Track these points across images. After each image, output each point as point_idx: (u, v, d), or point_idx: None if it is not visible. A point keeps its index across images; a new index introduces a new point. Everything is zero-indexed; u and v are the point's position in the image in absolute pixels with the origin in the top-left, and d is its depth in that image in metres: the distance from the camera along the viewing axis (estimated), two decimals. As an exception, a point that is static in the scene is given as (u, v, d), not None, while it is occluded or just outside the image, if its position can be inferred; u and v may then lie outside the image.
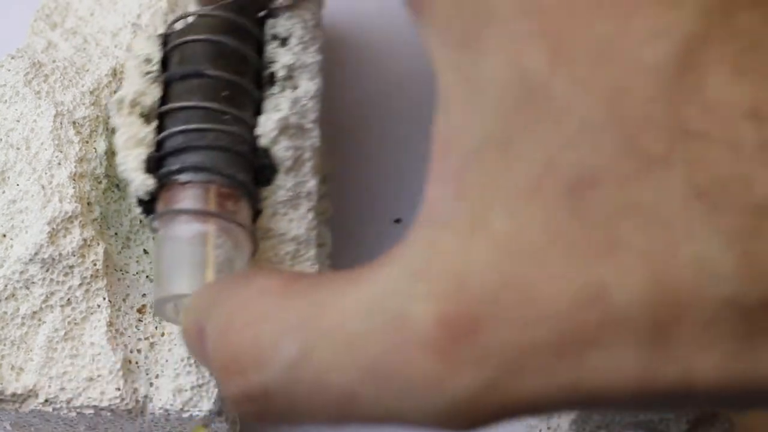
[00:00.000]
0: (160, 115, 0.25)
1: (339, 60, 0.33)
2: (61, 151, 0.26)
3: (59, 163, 0.26)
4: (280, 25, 0.27)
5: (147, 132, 0.25)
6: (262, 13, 0.27)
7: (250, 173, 0.25)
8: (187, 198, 0.24)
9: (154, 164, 0.25)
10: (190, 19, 0.26)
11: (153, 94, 0.26)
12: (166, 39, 0.26)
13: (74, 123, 0.27)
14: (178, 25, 0.26)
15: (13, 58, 0.28)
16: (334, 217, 0.28)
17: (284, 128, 0.25)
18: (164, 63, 0.26)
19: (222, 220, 0.24)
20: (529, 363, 0.15)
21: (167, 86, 0.26)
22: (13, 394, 0.25)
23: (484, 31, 0.16)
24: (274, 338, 0.17)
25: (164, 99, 0.26)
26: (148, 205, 0.25)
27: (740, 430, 0.27)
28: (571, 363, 0.15)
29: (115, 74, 0.28)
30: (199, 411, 0.26)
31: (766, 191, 0.14)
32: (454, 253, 0.16)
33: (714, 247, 0.14)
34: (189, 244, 0.23)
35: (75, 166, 0.26)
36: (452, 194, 0.16)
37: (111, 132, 0.26)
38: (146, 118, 0.25)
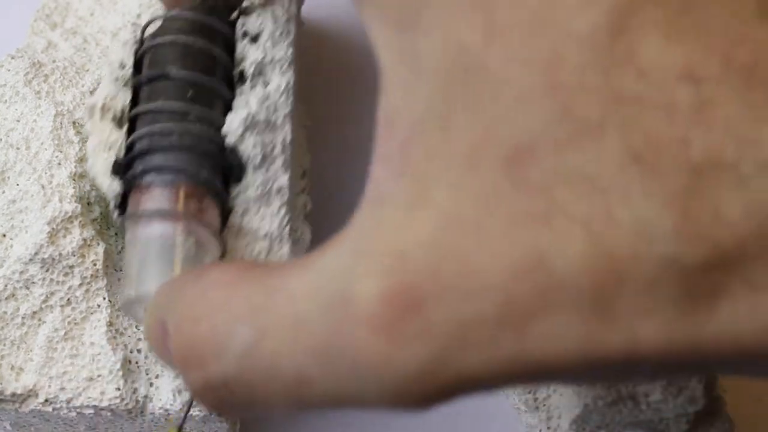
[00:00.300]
0: (132, 119, 0.26)
1: (320, 53, 0.33)
2: (61, 151, 0.26)
3: (59, 163, 0.26)
4: (250, 22, 0.27)
5: (118, 136, 0.25)
6: (234, 15, 0.27)
7: (217, 172, 0.25)
8: (150, 199, 0.24)
9: (122, 168, 0.25)
10: (160, 22, 0.26)
11: (123, 98, 0.26)
12: (142, 42, 0.27)
13: (74, 123, 0.27)
14: (151, 29, 0.27)
15: (13, 58, 0.28)
16: (313, 212, 0.28)
17: (251, 125, 0.25)
18: (138, 67, 0.26)
19: (184, 220, 0.24)
20: (472, 336, 0.15)
21: (137, 90, 0.26)
22: (13, 394, 0.25)
23: (421, 10, 0.16)
24: (228, 327, 0.17)
25: (135, 102, 0.26)
26: (121, 207, 0.25)
27: (740, 430, 0.27)
28: (514, 334, 0.15)
29: (115, 74, 0.28)
30: (199, 411, 0.26)
31: (702, 152, 0.14)
32: (396, 229, 0.16)
33: (652, 209, 0.14)
34: (150, 244, 0.24)
35: (75, 166, 0.26)
36: (395, 172, 0.16)
37: (85, 138, 0.26)
38: (118, 122, 0.26)
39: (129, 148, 0.25)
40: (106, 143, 0.25)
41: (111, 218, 0.26)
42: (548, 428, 0.29)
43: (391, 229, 0.16)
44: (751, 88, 0.14)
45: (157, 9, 0.30)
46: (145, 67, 0.26)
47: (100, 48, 0.30)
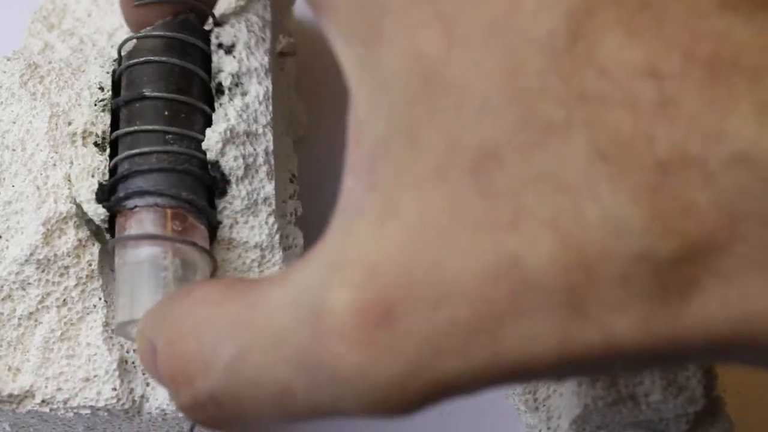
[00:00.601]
0: (113, 142, 0.26)
1: (318, 53, 0.33)
2: (57, 152, 0.27)
3: (54, 164, 0.26)
4: (224, 33, 0.27)
5: (100, 161, 0.26)
6: (208, 26, 0.27)
7: (201, 189, 0.25)
8: (135, 223, 0.24)
9: (105, 193, 0.25)
10: (134, 42, 0.26)
11: (104, 122, 0.26)
12: (120, 63, 0.27)
13: (69, 124, 0.27)
14: (126, 48, 0.27)
15: (9, 59, 0.28)
16: (305, 217, 0.28)
17: (230, 138, 0.25)
18: (117, 88, 0.27)
19: (170, 241, 0.24)
20: (446, 343, 0.15)
21: (116, 112, 0.26)
22: (10, 395, 0.25)
23: (381, 24, 0.16)
24: (213, 343, 0.18)
25: (115, 125, 0.26)
26: (110, 231, 0.26)
27: (740, 430, 0.27)
28: (487, 339, 0.15)
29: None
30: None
31: (668, 147, 0.14)
32: (366, 241, 0.16)
33: (620, 205, 0.14)
34: (139, 268, 0.24)
35: (70, 167, 0.26)
36: (365, 185, 0.17)
37: (69, 165, 0.26)
38: (101, 146, 0.26)
39: (112, 171, 0.26)
40: (89, 169, 0.25)
41: (103, 239, 0.26)
42: (548, 428, 0.29)
43: (362, 242, 0.16)
44: (713, 81, 0.14)
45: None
46: (123, 89, 0.26)
47: (97, 49, 0.30)
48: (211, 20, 0.27)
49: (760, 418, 0.28)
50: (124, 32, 0.29)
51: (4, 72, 0.28)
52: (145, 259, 0.24)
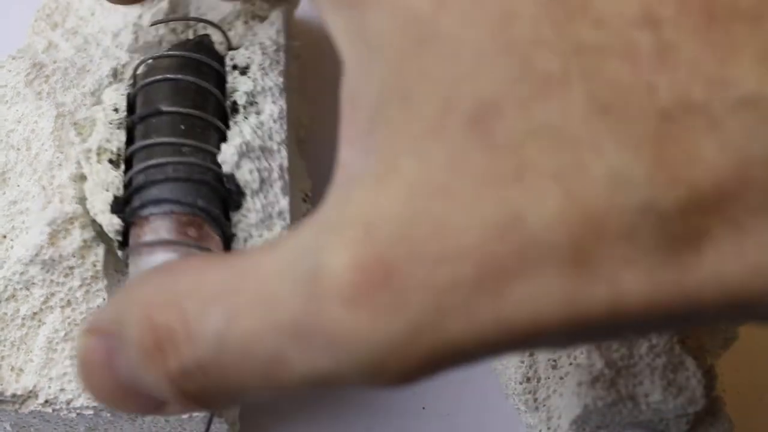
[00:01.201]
0: (128, 158, 0.26)
1: (310, 57, 0.33)
2: (62, 152, 0.26)
3: (60, 164, 0.26)
4: (239, 55, 0.27)
5: (115, 176, 0.26)
6: (223, 49, 0.28)
7: (216, 200, 0.25)
8: (150, 231, 0.24)
9: (120, 205, 0.25)
10: (151, 62, 0.27)
11: (118, 139, 0.26)
12: (135, 82, 0.27)
13: (75, 124, 0.27)
14: (141, 70, 0.27)
15: (14, 58, 0.28)
16: None
17: (246, 152, 0.26)
18: (132, 108, 0.27)
19: (182, 247, 0.24)
20: (448, 302, 0.14)
21: (132, 129, 0.27)
22: (13, 395, 0.25)
23: None
24: (199, 310, 0.17)
25: (130, 142, 0.26)
26: (123, 242, 0.26)
27: (740, 430, 0.27)
28: (492, 297, 0.14)
29: (116, 75, 0.28)
30: (198, 411, 0.26)
31: (670, 95, 0.14)
32: (364, 203, 0.15)
33: (623, 157, 0.14)
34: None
35: (76, 167, 0.26)
36: (361, 151, 0.16)
37: (82, 180, 0.26)
38: (115, 163, 0.26)
39: (127, 185, 0.26)
40: (103, 183, 0.26)
41: (116, 255, 0.26)
42: (548, 428, 0.29)
43: (360, 204, 0.15)
44: (711, 26, 0.14)
45: (159, 9, 0.30)
46: (138, 107, 0.27)
47: (101, 48, 0.29)
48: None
49: (760, 418, 0.28)
50: (128, 32, 0.29)
51: (9, 71, 0.28)
52: (158, 263, 0.24)
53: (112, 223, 0.25)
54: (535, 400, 0.29)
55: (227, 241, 0.26)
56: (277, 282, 0.16)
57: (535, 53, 0.14)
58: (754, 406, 0.29)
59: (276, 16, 0.29)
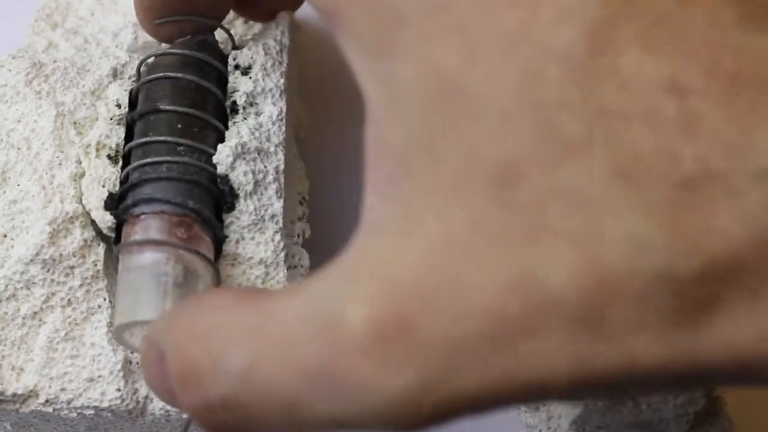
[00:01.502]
0: (126, 154, 0.26)
1: (310, 57, 0.33)
2: (62, 152, 0.26)
3: (60, 164, 0.26)
4: (242, 55, 0.28)
5: (112, 172, 0.26)
6: (228, 48, 0.28)
7: (209, 201, 0.25)
8: (140, 229, 0.25)
9: (115, 201, 0.26)
10: (153, 59, 0.27)
11: (118, 135, 0.27)
12: (139, 78, 0.28)
13: (75, 123, 0.27)
14: (145, 66, 0.27)
15: (14, 58, 0.28)
16: (312, 239, 0.28)
17: (241, 154, 0.26)
18: (134, 104, 0.27)
19: (173, 248, 0.24)
20: (462, 357, 0.15)
21: (131, 126, 0.27)
22: (14, 395, 0.25)
23: (397, 37, 0.16)
24: (225, 349, 0.18)
25: (130, 138, 0.27)
26: (116, 239, 0.26)
27: (740, 430, 0.27)
28: (505, 354, 0.15)
29: (116, 75, 0.28)
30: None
31: (691, 164, 0.14)
32: (386, 256, 0.16)
33: (642, 223, 0.14)
34: (141, 272, 0.24)
35: (76, 167, 0.26)
36: (386, 202, 0.16)
37: (82, 179, 0.27)
38: (113, 159, 0.26)
39: (123, 181, 0.26)
40: (100, 179, 0.26)
41: (108, 241, 0.26)
42: (548, 428, 0.29)
43: (382, 256, 0.16)
44: (737, 96, 0.14)
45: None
46: (139, 104, 0.27)
47: (101, 48, 0.30)
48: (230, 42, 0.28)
49: (760, 418, 0.28)
50: (128, 32, 0.29)
51: (9, 70, 0.28)
52: (147, 264, 0.24)
53: (104, 220, 0.25)
54: (536, 399, 0.29)
55: (219, 243, 0.26)
56: (299, 328, 0.17)
57: (560, 116, 0.15)
58: (754, 406, 0.29)
59: (282, 17, 0.29)
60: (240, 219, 0.26)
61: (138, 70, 0.28)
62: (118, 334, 0.24)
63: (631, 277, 0.14)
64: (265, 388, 0.17)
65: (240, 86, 0.27)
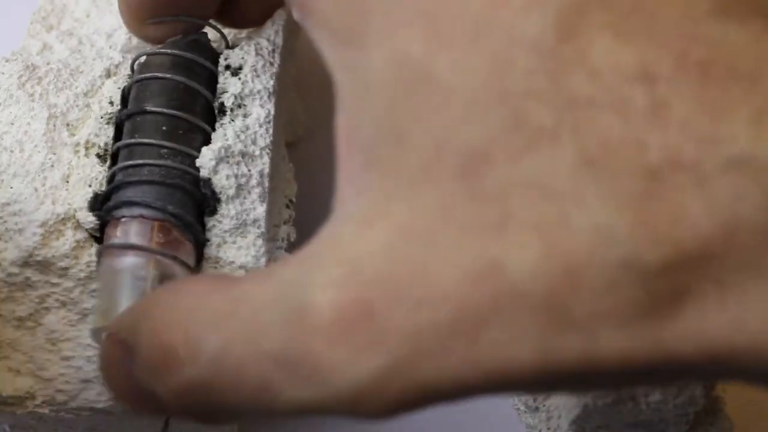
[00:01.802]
0: (113, 154, 0.27)
1: (307, 55, 0.33)
2: (54, 153, 0.27)
3: (52, 165, 0.26)
4: (234, 55, 0.27)
5: (99, 171, 0.26)
6: (221, 48, 0.28)
7: (190, 204, 0.25)
8: (120, 232, 0.25)
9: (99, 202, 0.26)
10: (145, 58, 0.27)
11: (107, 134, 0.27)
12: (132, 76, 0.28)
13: (68, 125, 0.27)
14: (137, 64, 0.27)
15: (7, 61, 0.28)
16: (297, 243, 0.28)
17: (225, 157, 0.26)
18: (126, 103, 0.27)
19: (152, 252, 0.24)
20: (425, 344, 0.15)
21: (120, 126, 0.27)
22: (11, 397, 0.25)
23: (365, 25, 0.16)
24: (200, 333, 0.18)
25: (119, 138, 0.27)
26: (100, 240, 0.26)
27: (740, 430, 0.27)
28: (466, 342, 0.14)
29: (109, 75, 0.28)
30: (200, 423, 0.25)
31: (659, 153, 0.14)
32: (352, 243, 0.16)
33: (607, 212, 0.14)
34: (119, 276, 0.24)
35: (68, 168, 0.26)
36: (356, 190, 0.17)
37: (68, 166, 0.27)
38: (102, 158, 0.27)
39: (109, 181, 0.26)
40: (87, 179, 0.26)
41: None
42: (548, 428, 0.29)
43: (348, 244, 0.16)
44: (706, 86, 0.14)
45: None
46: (129, 103, 0.27)
47: (95, 49, 0.30)
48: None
49: (760, 418, 0.28)
50: (123, 33, 0.29)
51: (2, 73, 0.28)
52: (125, 268, 0.24)
53: (87, 222, 0.26)
54: (535, 400, 0.29)
55: (200, 247, 0.26)
56: (268, 312, 0.17)
57: (528, 104, 0.14)
58: (754, 406, 0.28)
59: (278, 15, 0.29)
60: (222, 223, 0.26)
61: (131, 67, 0.28)
62: (96, 336, 0.24)
63: (597, 267, 0.14)
64: (236, 371, 0.17)
65: (229, 87, 0.27)
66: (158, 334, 0.19)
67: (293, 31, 0.30)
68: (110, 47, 0.29)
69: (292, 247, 0.28)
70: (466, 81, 0.15)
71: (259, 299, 0.17)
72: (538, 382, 0.15)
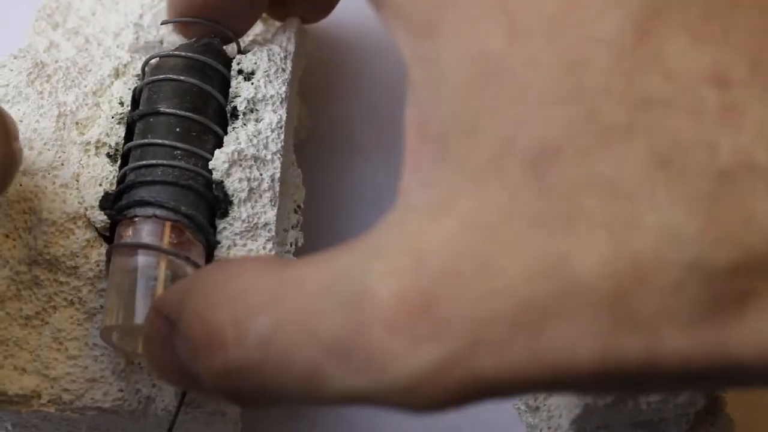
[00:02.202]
0: (124, 154, 0.27)
1: (311, 57, 0.33)
2: (64, 152, 0.26)
3: (62, 164, 0.26)
4: (246, 60, 0.28)
5: (110, 171, 0.26)
6: (234, 53, 0.28)
7: (202, 206, 0.25)
8: (132, 232, 0.25)
9: (110, 201, 0.26)
10: (158, 60, 0.27)
11: (118, 134, 0.27)
12: (143, 77, 0.28)
13: (77, 123, 0.27)
14: (151, 66, 0.28)
15: (15, 58, 0.28)
16: (305, 248, 0.28)
17: (237, 160, 0.26)
18: (137, 104, 0.27)
19: (163, 252, 0.24)
20: (486, 338, 0.15)
21: (132, 126, 0.27)
22: (16, 395, 0.25)
23: (442, 17, 0.16)
24: (248, 315, 0.17)
25: (129, 138, 0.27)
26: (109, 239, 0.26)
27: (740, 430, 0.27)
28: (528, 337, 0.14)
29: (118, 74, 0.28)
30: (201, 411, 0.26)
31: (732, 155, 0.14)
32: (416, 234, 0.16)
33: (677, 213, 0.14)
34: (130, 275, 0.24)
35: (78, 167, 0.26)
36: (422, 181, 0.16)
37: (78, 165, 0.27)
38: (112, 158, 0.27)
39: (120, 181, 0.26)
40: (98, 178, 0.26)
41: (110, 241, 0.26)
42: (549, 428, 0.29)
43: (412, 234, 0.16)
44: None
45: (160, 10, 0.30)
46: (141, 104, 0.27)
47: (102, 48, 0.30)
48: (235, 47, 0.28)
49: (760, 418, 0.29)
50: (129, 32, 0.29)
51: (11, 70, 0.28)
52: (136, 267, 0.24)
53: (98, 220, 0.26)
54: (535, 399, 0.29)
55: (211, 248, 0.26)
56: (322, 299, 0.17)
57: (602, 102, 0.14)
58: (754, 406, 0.29)
59: (290, 23, 0.29)
60: (233, 225, 0.26)
61: (143, 69, 0.28)
62: (105, 335, 0.24)
63: (664, 267, 0.14)
64: (285, 355, 0.17)
65: (242, 92, 0.27)
66: (203, 313, 0.18)
67: (302, 38, 0.30)
68: (118, 47, 0.29)
69: (300, 251, 0.28)
70: (541, 76, 0.15)
71: (314, 284, 0.17)
72: (597, 380, 0.15)
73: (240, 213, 0.26)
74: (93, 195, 0.26)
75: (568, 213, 0.14)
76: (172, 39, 0.29)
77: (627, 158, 0.14)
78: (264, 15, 0.30)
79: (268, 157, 0.26)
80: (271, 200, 0.26)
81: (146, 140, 0.26)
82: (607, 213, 0.14)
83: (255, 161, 0.26)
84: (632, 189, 0.14)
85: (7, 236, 0.26)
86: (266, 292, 0.18)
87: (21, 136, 0.26)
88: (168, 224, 0.25)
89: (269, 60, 0.28)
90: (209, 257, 0.26)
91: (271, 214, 0.26)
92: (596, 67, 0.15)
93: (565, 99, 0.15)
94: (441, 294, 0.15)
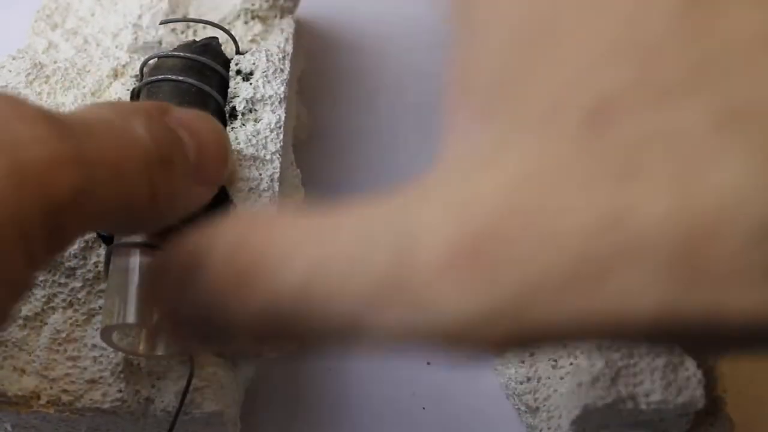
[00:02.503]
0: None
1: (310, 57, 0.33)
2: (63, 153, 0.26)
3: (61, 165, 0.26)
4: (245, 60, 0.28)
5: None
6: (232, 54, 0.28)
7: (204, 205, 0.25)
8: None
9: None
10: (156, 61, 0.27)
11: None
12: (142, 78, 0.28)
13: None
14: (149, 66, 0.28)
15: (14, 58, 0.28)
16: None
17: (236, 160, 0.26)
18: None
19: (155, 251, 0.24)
20: (542, 287, 0.14)
21: None
22: (16, 396, 0.25)
23: None
24: (287, 252, 0.17)
25: None
26: (108, 240, 0.26)
27: (740, 430, 0.27)
28: (587, 287, 0.14)
29: (116, 75, 0.28)
30: (201, 412, 0.26)
31: None
32: (468, 183, 0.15)
33: (745, 171, 0.13)
34: (130, 274, 0.24)
35: (77, 168, 0.26)
36: (468, 136, 0.16)
37: None
38: None
39: None
40: None
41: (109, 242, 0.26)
42: (548, 428, 0.29)
43: (460, 184, 0.15)
44: None
45: (158, 10, 0.30)
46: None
47: (101, 49, 0.30)
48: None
49: (760, 418, 0.29)
50: (128, 33, 0.29)
51: (10, 71, 0.28)
52: (136, 266, 0.24)
53: None
54: (536, 400, 0.29)
55: None
56: (365, 244, 0.16)
57: (661, 58, 0.14)
58: (754, 406, 0.29)
59: (287, 23, 0.29)
60: None
61: (141, 70, 0.28)
62: (105, 335, 0.24)
63: (732, 224, 0.13)
64: (326, 296, 0.16)
65: (240, 92, 0.27)
66: (237, 251, 0.18)
67: (300, 38, 0.30)
68: (116, 47, 0.29)
69: None
70: (598, 30, 0.15)
71: (359, 227, 0.17)
72: (655, 332, 0.14)
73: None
74: None
75: (628, 167, 0.14)
76: (170, 39, 0.29)
77: (688, 115, 0.14)
78: (263, 14, 0.30)
79: (268, 157, 0.27)
80: (270, 200, 0.26)
81: None
82: (671, 167, 0.14)
83: (254, 161, 0.26)
84: (695, 145, 0.14)
85: (6, 237, 0.26)
86: (306, 233, 0.17)
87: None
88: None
89: (268, 60, 0.28)
90: None
91: None
92: (655, 25, 0.14)
93: (624, 54, 0.14)
94: (498, 242, 0.15)
